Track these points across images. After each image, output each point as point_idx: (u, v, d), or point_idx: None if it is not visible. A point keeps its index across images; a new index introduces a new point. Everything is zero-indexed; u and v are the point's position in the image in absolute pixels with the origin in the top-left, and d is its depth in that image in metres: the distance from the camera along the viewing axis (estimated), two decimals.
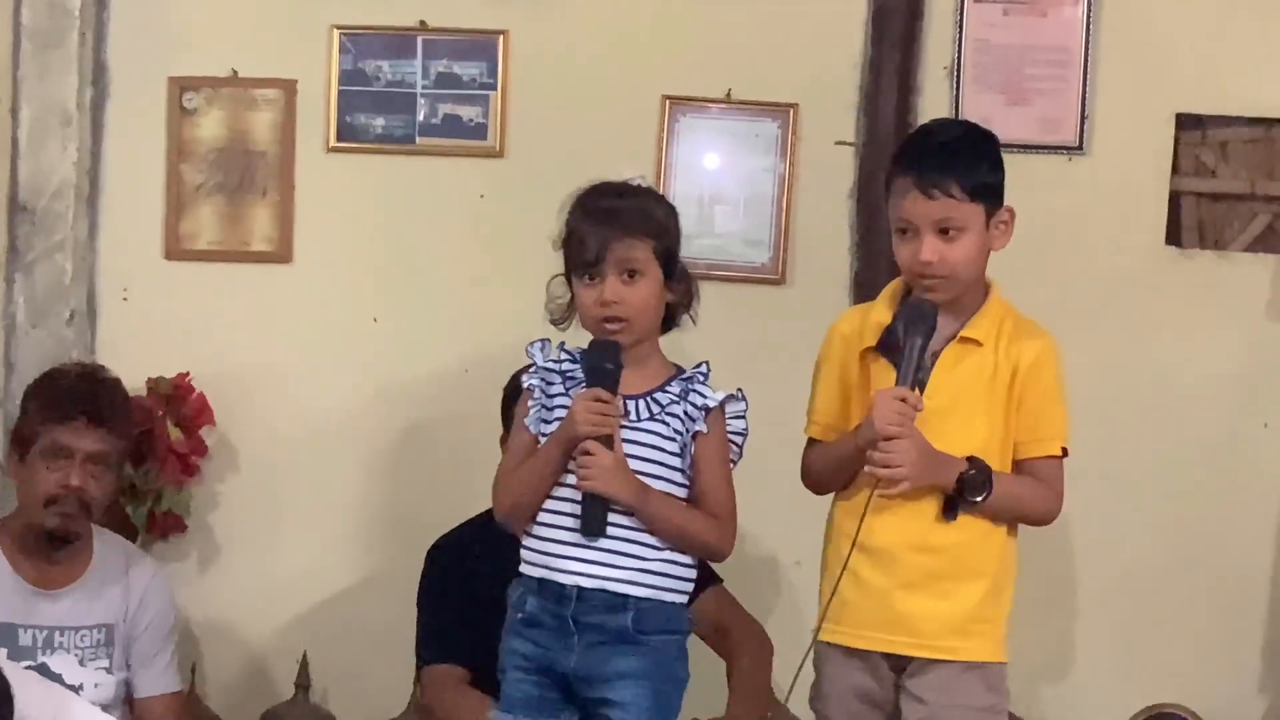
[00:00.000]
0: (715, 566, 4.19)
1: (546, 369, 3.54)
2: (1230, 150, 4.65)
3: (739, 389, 3.51)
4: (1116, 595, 4.67)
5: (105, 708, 4.05)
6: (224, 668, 4.86)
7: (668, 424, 3.47)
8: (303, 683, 4.72)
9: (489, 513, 4.17)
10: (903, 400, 3.46)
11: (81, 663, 4.18)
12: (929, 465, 3.48)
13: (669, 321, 3.56)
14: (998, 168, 3.60)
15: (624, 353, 3.45)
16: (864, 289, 4.53)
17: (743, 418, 3.52)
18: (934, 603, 3.53)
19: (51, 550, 4.18)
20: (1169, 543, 4.65)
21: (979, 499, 3.51)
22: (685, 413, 3.47)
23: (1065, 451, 3.62)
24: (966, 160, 3.55)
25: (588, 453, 3.40)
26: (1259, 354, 4.62)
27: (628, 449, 3.44)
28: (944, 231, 3.53)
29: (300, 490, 4.85)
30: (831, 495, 3.70)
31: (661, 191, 4.55)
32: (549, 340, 3.57)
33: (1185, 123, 4.65)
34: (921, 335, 3.50)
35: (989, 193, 3.56)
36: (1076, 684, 4.70)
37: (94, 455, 4.16)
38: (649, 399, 3.48)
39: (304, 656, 4.72)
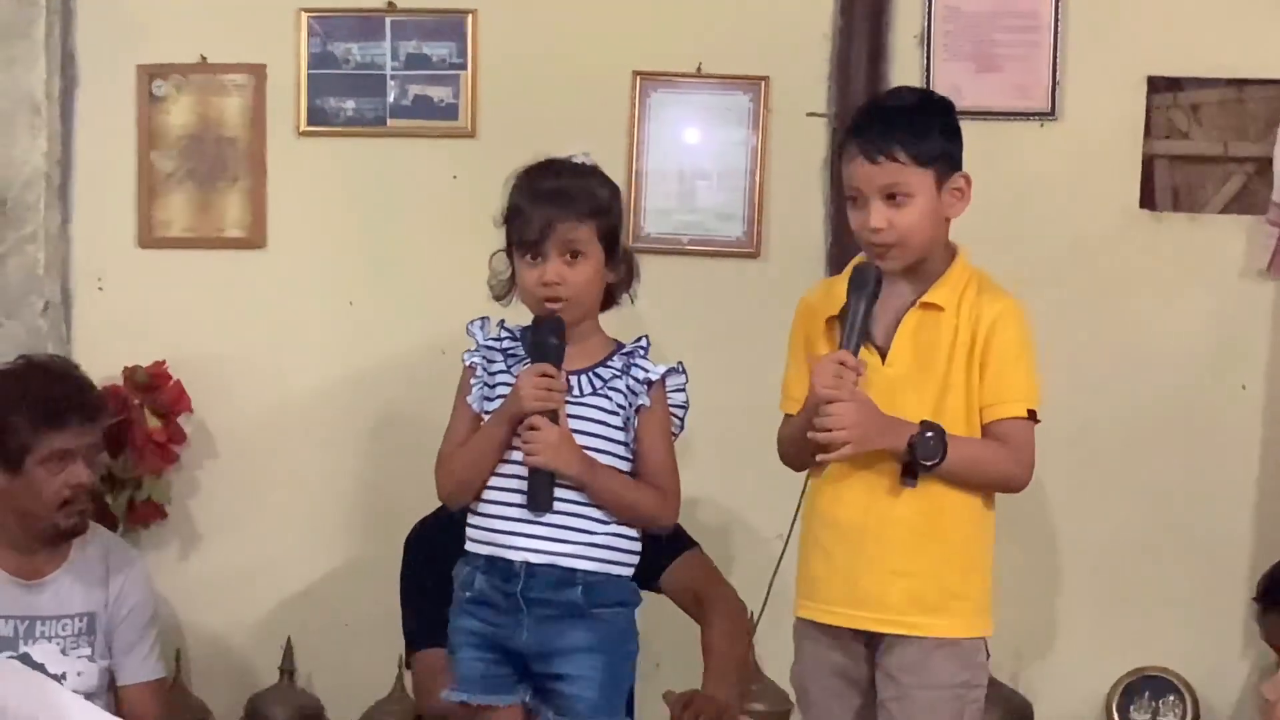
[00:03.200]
0: (693, 533, 4.20)
1: (488, 346, 3.56)
2: (1203, 112, 4.64)
3: (679, 362, 3.54)
4: (1097, 561, 4.66)
5: (89, 696, 4.06)
6: (208, 654, 4.86)
7: (611, 398, 3.49)
8: (287, 668, 4.72)
9: None
10: (841, 363, 3.42)
11: (64, 652, 4.18)
12: (872, 428, 3.41)
13: (608, 301, 3.58)
14: (951, 134, 3.55)
15: (567, 330, 3.46)
16: (838, 261, 4.50)
17: (683, 390, 3.54)
18: (899, 578, 3.46)
19: (53, 546, 4.20)
20: (1148, 507, 4.64)
21: (931, 463, 3.41)
22: (628, 387, 3.49)
23: (1034, 415, 3.52)
24: (913, 126, 3.49)
25: (533, 428, 3.41)
26: (1235, 316, 4.61)
27: (572, 424, 3.45)
28: (891, 197, 3.48)
29: (280, 475, 4.85)
30: None
31: (631, 167, 4.60)
32: (489, 318, 3.60)
33: (1157, 85, 4.63)
34: (864, 299, 3.46)
35: (939, 158, 3.50)
36: (1061, 651, 4.69)
37: (90, 449, 4.19)
38: (591, 374, 3.50)
39: (288, 642, 4.72)
